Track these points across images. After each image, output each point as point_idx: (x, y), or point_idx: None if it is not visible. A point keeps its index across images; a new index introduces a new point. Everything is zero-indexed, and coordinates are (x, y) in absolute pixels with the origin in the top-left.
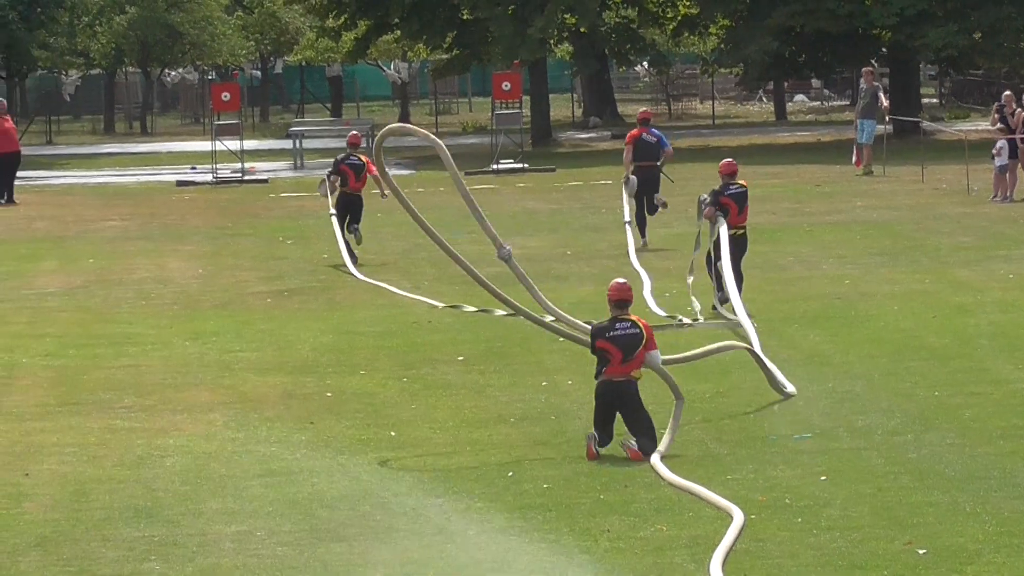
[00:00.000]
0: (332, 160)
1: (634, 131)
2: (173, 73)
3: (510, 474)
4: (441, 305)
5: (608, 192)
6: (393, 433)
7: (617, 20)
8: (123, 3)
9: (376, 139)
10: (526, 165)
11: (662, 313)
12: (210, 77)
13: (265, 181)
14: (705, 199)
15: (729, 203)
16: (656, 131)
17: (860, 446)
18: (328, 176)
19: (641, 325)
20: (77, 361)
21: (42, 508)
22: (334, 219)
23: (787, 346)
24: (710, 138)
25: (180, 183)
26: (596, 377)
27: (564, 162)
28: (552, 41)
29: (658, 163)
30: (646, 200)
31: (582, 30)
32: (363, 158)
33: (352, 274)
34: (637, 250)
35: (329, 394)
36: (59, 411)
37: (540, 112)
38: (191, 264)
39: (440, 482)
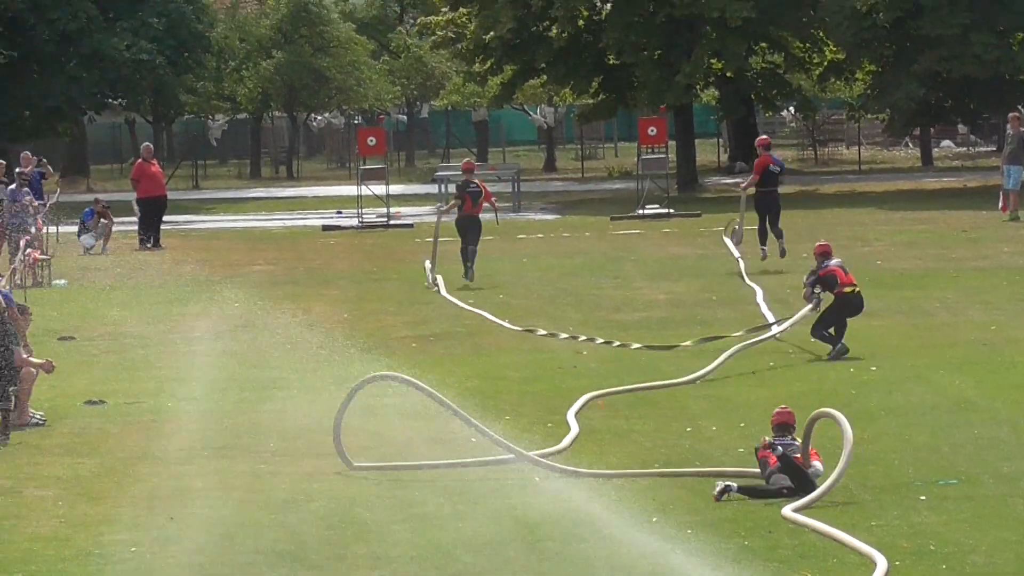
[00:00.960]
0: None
1: (762, 159)
2: (319, 117)
3: (654, 519)
4: (518, 328)
5: (755, 238)
6: (537, 479)
7: (763, 65)
8: (269, 48)
9: None
10: (672, 210)
11: (771, 317)
12: (356, 121)
13: (411, 226)
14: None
15: (835, 271)
16: (777, 159)
17: (1005, 492)
18: (452, 198)
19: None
20: (223, 405)
21: (187, 552)
22: (438, 223)
23: (933, 392)
24: (856, 183)
25: (326, 227)
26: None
27: (710, 207)
28: (698, 86)
29: (777, 188)
30: (769, 219)
31: (728, 75)
32: (480, 185)
33: (435, 285)
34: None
35: (473, 439)
36: (204, 455)
37: (686, 157)
38: (336, 308)
39: (583, 526)
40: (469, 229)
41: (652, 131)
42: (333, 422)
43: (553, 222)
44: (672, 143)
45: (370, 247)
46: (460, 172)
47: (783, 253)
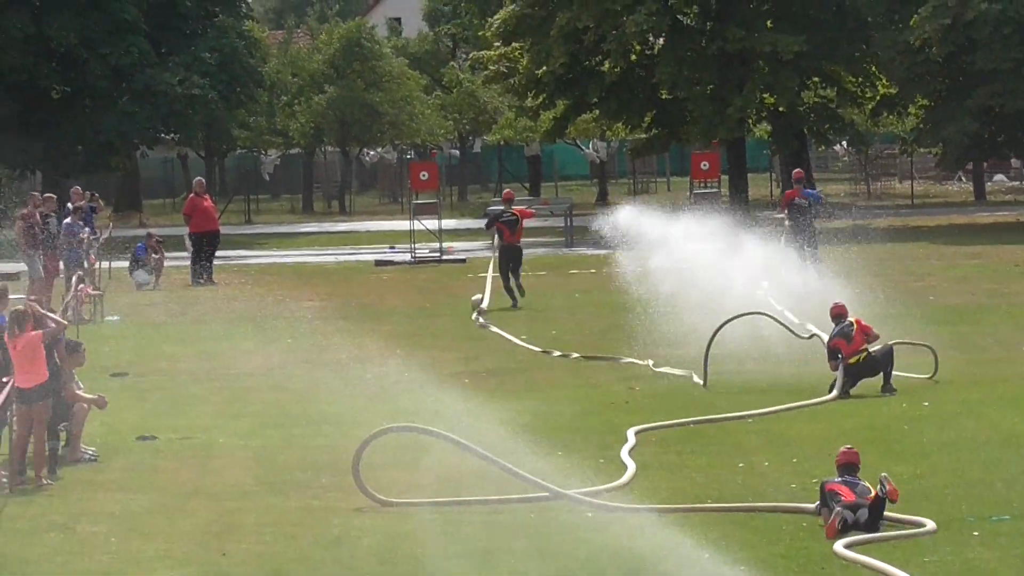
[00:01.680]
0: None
1: (789, 192)
2: (372, 152)
3: (707, 555)
4: (537, 349)
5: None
6: (589, 515)
7: (816, 100)
8: (322, 83)
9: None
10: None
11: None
12: (408, 156)
13: (463, 261)
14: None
15: (838, 344)
16: (811, 192)
17: None
18: (487, 228)
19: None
20: (274, 441)
21: None
22: (492, 265)
23: (986, 427)
24: (909, 218)
25: (378, 263)
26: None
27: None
28: (751, 120)
29: (809, 220)
30: (807, 244)
31: (780, 109)
32: (516, 212)
33: (480, 313)
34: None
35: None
36: (256, 490)
37: (738, 191)
38: (389, 344)
39: (637, 562)
40: (510, 257)
41: (704, 165)
42: (351, 464)
43: (606, 256)
44: (724, 177)
45: (423, 283)
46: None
47: (814, 262)
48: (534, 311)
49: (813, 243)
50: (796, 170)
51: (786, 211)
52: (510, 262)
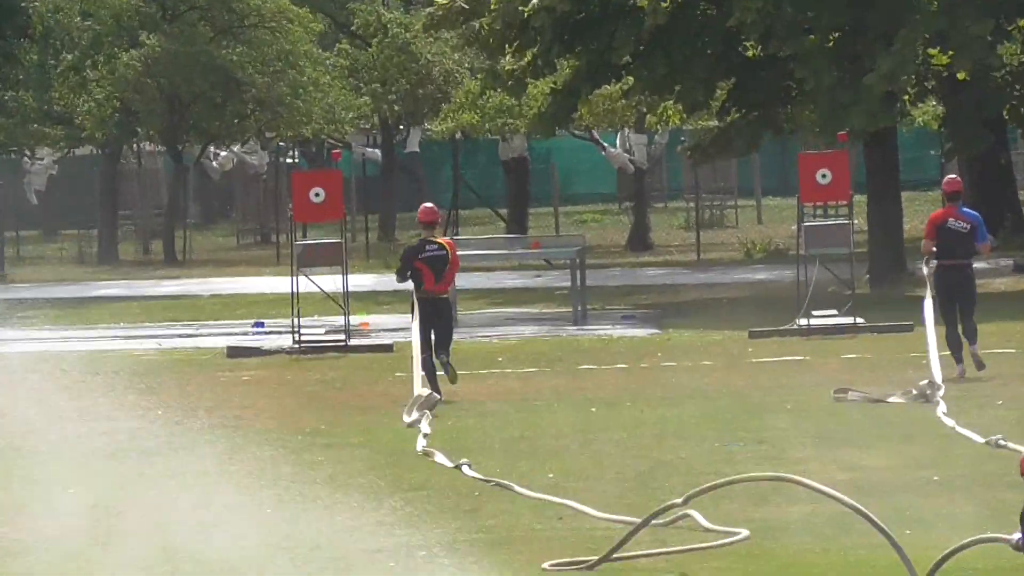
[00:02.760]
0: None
1: (937, 212)
2: (223, 153)
3: None
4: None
5: (1010, 366)
6: None
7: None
8: (136, 29)
9: None
10: (860, 320)
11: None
12: (291, 160)
13: (389, 348)
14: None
15: None
16: (971, 212)
17: None
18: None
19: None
20: None
21: None
22: (414, 332)
23: None
24: None
25: (232, 352)
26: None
27: None
28: (907, 96)
29: (970, 261)
30: (961, 313)
31: (961, 76)
32: (446, 244)
33: (417, 428)
34: (947, 378)
35: None
36: None
37: (885, 223)
38: (251, 501)
39: None
40: (433, 315)
41: (824, 176)
42: None
43: (645, 341)
44: (861, 198)
45: (314, 388)
46: (487, 254)
47: (979, 365)
48: (520, 436)
49: (970, 304)
50: (948, 178)
51: (930, 252)
52: (432, 325)
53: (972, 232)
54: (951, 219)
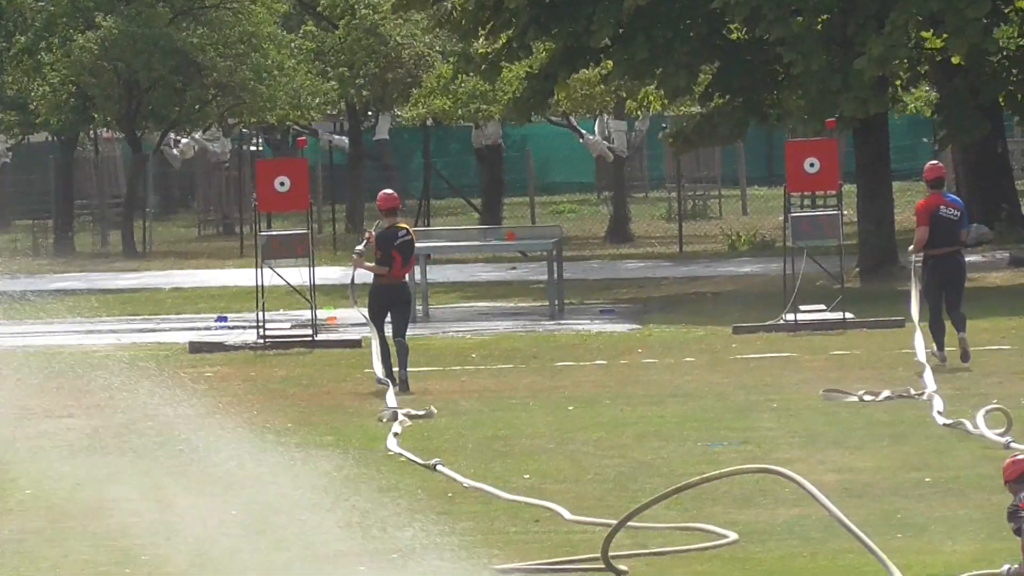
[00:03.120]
0: (369, 237)
1: (926, 200)
2: (184, 140)
3: None
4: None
5: (1005, 363)
6: None
7: (1022, 43)
8: (91, 10)
9: None
10: (849, 315)
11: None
12: (255, 148)
13: (357, 343)
14: None
15: None
16: (955, 198)
17: None
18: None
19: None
20: None
21: None
22: (368, 318)
23: None
24: None
25: (195, 347)
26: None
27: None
28: (899, 81)
29: (961, 248)
30: (946, 299)
31: (955, 60)
32: (409, 229)
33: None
34: (932, 366)
35: None
36: None
37: (875, 214)
38: (215, 502)
39: None
40: (396, 302)
41: (812, 165)
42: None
43: (625, 336)
44: (850, 188)
45: (279, 384)
46: (459, 246)
47: (966, 355)
48: (494, 435)
49: (961, 292)
50: (930, 164)
51: (924, 233)
52: (392, 310)
53: (961, 219)
54: (942, 207)
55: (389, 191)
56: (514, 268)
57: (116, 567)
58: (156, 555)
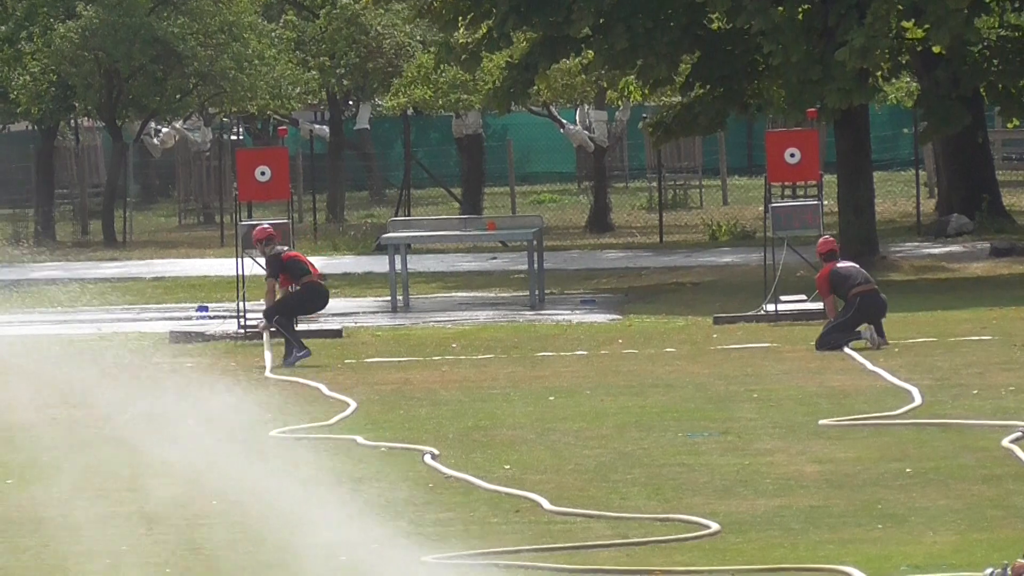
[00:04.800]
0: (273, 256)
1: (823, 270)
2: (164, 130)
3: None
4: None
5: (985, 353)
6: None
7: (1003, 34)
8: (71, 1)
9: None
10: None
11: None
12: (235, 137)
13: (338, 333)
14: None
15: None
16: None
17: None
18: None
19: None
20: None
21: None
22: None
23: None
24: None
25: (175, 337)
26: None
27: (901, 299)
28: (880, 72)
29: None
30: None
31: (937, 50)
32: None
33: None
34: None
35: None
36: None
37: (856, 204)
38: (194, 493)
39: None
40: (325, 297)
41: (792, 155)
42: None
43: (605, 327)
44: (831, 178)
45: (261, 374)
46: (438, 235)
47: (880, 344)
48: (475, 426)
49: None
50: (823, 239)
51: (830, 303)
52: (318, 306)
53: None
54: (838, 264)
55: (264, 226)
56: (494, 258)
57: (98, 559)
58: (136, 545)
